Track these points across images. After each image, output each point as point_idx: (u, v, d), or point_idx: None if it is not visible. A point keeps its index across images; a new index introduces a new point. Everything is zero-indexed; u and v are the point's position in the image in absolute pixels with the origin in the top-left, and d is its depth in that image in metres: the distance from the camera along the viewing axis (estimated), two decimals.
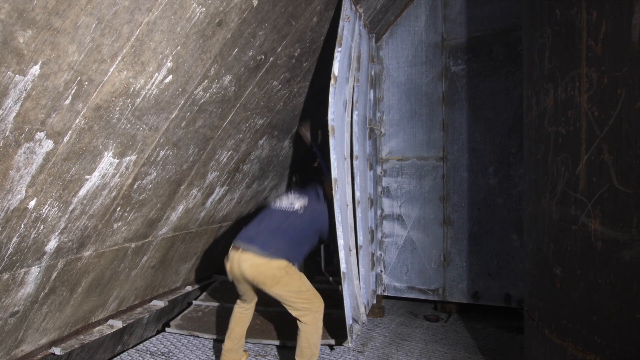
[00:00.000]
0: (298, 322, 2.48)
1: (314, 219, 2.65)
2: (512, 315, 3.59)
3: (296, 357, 2.52)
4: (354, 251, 3.27)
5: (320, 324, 2.50)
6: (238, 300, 2.72)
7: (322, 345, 3.04)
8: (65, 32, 1.52)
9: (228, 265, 2.49)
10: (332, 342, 3.02)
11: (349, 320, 2.83)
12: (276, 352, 3.02)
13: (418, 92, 3.81)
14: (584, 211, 1.80)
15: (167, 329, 3.39)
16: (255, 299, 2.71)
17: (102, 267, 2.59)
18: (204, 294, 3.93)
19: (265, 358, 2.95)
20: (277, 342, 3.07)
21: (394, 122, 3.90)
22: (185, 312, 3.62)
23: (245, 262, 2.38)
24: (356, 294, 3.27)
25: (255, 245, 2.41)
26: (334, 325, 3.22)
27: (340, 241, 2.75)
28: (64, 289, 2.38)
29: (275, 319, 3.37)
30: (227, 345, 2.65)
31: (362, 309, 3.34)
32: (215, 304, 3.70)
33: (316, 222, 2.66)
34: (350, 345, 2.88)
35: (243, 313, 2.69)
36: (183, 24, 1.91)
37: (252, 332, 3.20)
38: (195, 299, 3.85)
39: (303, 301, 2.44)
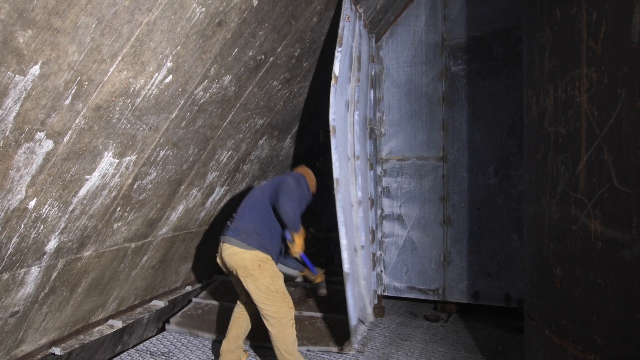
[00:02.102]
0: (267, 328, 2.46)
1: (268, 186, 2.60)
2: (512, 315, 3.59)
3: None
4: (359, 251, 3.26)
5: (289, 330, 2.46)
6: (238, 300, 2.73)
7: (323, 351, 3.00)
8: (65, 32, 1.52)
9: (218, 258, 2.57)
10: (334, 349, 2.97)
11: (353, 321, 2.82)
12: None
13: (418, 92, 3.81)
14: (584, 211, 1.80)
15: (166, 326, 3.39)
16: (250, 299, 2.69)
17: (102, 267, 2.59)
18: (204, 292, 3.93)
19: (266, 358, 2.95)
20: None
21: (394, 122, 3.90)
22: (185, 309, 3.61)
23: (225, 252, 2.45)
24: (362, 294, 3.26)
25: (229, 234, 2.46)
26: (334, 330, 3.18)
27: (344, 241, 2.74)
28: (64, 289, 2.38)
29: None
30: (224, 345, 2.66)
31: (369, 310, 3.32)
32: (215, 302, 3.69)
33: (270, 188, 2.58)
34: (354, 346, 2.87)
35: (240, 313, 2.69)
36: (183, 24, 1.91)
37: (253, 334, 3.20)
38: (196, 296, 3.84)
39: (270, 302, 2.40)
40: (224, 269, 2.57)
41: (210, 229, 3.72)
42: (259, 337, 3.19)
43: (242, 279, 2.44)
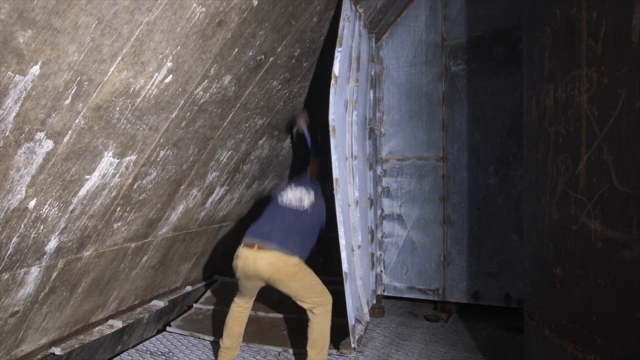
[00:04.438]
0: (310, 314, 2.56)
1: (320, 215, 2.78)
2: (512, 315, 3.59)
3: (308, 349, 2.59)
4: (356, 251, 3.27)
5: (330, 316, 2.60)
6: (235, 299, 2.74)
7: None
8: (65, 32, 1.52)
9: (240, 263, 2.46)
10: (334, 351, 2.95)
11: (351, 321, 2.82)
12: (276, 353, 3.02)
13: (418, 92, 3.81)
14: (584, 211, 1.80)
15: (167, 329, 3.38)
16: (254, 297, 2.77)
17: (102, 267, 2.59)
18: (204, 296, 3.91)
19: (266, 358, 2.95)
20: (279, 349, 3.05)
21: (394, 122, 3.90)
22: (186, 314, 3.61)
23: (262, 261, 2.40)
24: (359, 294, 3.26)
25: (272, 244, 2.43)
26: (335, 333, 3.11)
27: (342, 241, 2.75)
28: (64, 289, 2.38)
29: (276, 325, 3.37)
30: (226, 343, 2.70)
31: (365, 309, 3.33)
32: (216, 307, 3.68)
33: (321, 217, 2.80)
34: (353, 346, 2.86)
35: (241, 312, 2.74)
36: (183, 24, 1.91)
37: (253, 337, 3.20)
38: (196, 301, 3.83)
39: (315, 295, 2.55)
40: (247, 274, 2.48)
41: (210, 228, 3.73)
42: (258, 338, 3.20)
43: (282, 284, 2.46)
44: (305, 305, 2.56)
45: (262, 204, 2.93)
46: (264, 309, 3.54)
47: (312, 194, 2.78)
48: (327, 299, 2.59)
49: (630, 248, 1.62)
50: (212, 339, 3.22)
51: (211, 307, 3.69)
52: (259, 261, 2.40)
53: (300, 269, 2.49)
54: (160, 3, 1.74)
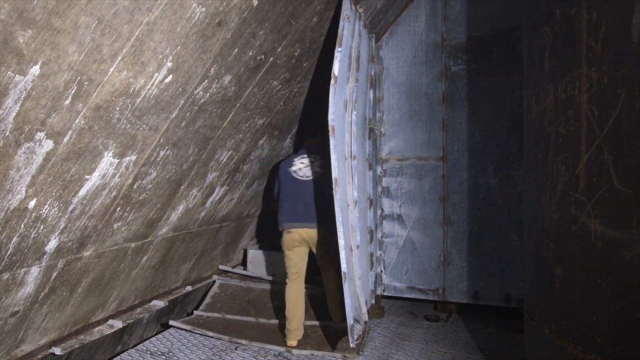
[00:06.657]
0: (325, 272, 3.34)
1: (325, 183, 3.21)
2: (512, 315, 3.59)
3: (333, 315, 3.34)
4: (355, 251, 3.27)
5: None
6: (288, 284, 3.23)
7: (326, 356, 2.98)
8: (65, 32, 1.52)
9: (294, 236, 3.21)
10: (338, 355, 2.92)
11: (350, 320, 2.82)
12: (277, 353, 3.02)
13: (418, 92, 3.81)
14: (584, 211, 1.80)
15: (170, 322, 3.41)
16: (303, 273, 3.28)
17: (102, 267, 2.59)
18: (204, 303, 3.89)
19: (266, 358, 2.95)
20: (279, 349, 3.05)
21: (394, 122, 3.90)
22: (187, 319, 3.62)
23: (306, 233, 3.23)
24: (358, 294, 3.26)
25: (311, 223, 3.22)
26: (337, 337, 3.15)
27: (341, 241, 2.74)
28: (64, 289, 2.38)
29: (277, 330, 3.39)
30: (293, 325, 3.10)
31: (364, 309, 3.33)
32: (217, 314, 3.68)
33: (326, 186, 3.18)
34: (351, 345, 2.87)
35: (298, 292, 3.21)
36: (183, 24, 1.91)
37: (255, 337, 3.22)
38: (196, 308, 3.83)
39: (332, 251, 3.16)
40: (299, 242, 3.23)
41: (210, 229, 3.72)
42: (260, 339, 3.21)
43: (319, 245, 3.27)
44: (326, 260, 3.32)
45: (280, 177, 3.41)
46: (266, 317, 3.57)
47: (315, 164, 3.34)
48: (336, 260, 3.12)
49: (630, 248, 1.62)
50: (215, 335, 3.24)
51: (211, 314, 3.69)
52: (304, 234, 3.22)
53: (327, 233, 3.26)
54: (160, 3, 1.74)
